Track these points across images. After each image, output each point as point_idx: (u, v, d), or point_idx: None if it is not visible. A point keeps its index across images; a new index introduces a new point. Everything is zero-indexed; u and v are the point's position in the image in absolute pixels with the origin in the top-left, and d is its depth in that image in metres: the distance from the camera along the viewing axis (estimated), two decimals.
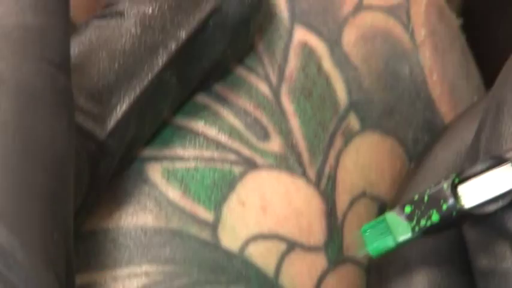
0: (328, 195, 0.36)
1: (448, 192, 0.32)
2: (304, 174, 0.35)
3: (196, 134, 0.34)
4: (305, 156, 0.36)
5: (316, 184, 0.36)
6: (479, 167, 0.32)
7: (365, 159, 0.38)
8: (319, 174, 0.36)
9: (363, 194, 0.37)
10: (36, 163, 0.26)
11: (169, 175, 0.33)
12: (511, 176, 0.32)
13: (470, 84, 0.42)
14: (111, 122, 0.31)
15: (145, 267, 0.32)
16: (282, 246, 0.34)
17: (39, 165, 0.26)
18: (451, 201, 0.32)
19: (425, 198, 0.33)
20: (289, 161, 0.35)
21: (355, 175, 0.37)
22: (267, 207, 0.34)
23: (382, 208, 0.38)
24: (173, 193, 0.33)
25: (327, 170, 0.36)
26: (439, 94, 0.40)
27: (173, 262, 0.32)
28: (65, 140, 0.28)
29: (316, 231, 0.35)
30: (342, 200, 0.37)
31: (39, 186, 0.26)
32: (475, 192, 0.32)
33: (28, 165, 0.26)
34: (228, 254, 0.33)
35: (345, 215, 0.36)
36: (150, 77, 0.32)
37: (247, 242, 0.33)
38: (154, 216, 0.33)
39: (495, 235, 0.33)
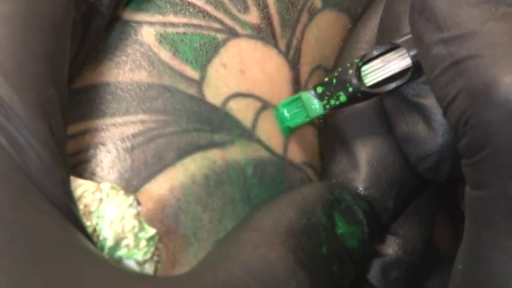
0: (294, 65, 0.41)
1: (353, 76, 0.37)
2: (276, 45, 0.40)
3: (186, 4, 0.38)
4: (277, 29, 0.40)
5: (285, 54, 0.40)
6: (377, 51, 0.38)
7: (323, 35, 0.42)
8: (288, 46, 0.40)
9: (319, 67, 0.42)
10: (38, 27, 0.30)
11: (162, 38, 0.37)
12: (404, 58, 0.37)
13: None
14: None
15: (140, 116, 0.36)
16: (258, 104, 0.39)
17: (40, 29, 0.30)
18: (355, 82, 0.37)
19: (334, 80, 0.38)
20: (264, 33, 0.40)
21: (315, 49, 0.42)
22: (245, 71, 0.39)
23: None
24: (164, 54, 0.37)
25: (294, 42, 0.41)
26: None
27: (165, 112, 0.36)
28: (65, 5, 0.31)
29: (284, 96, 0.40)
30: (304, 70, 0.41)
31: (39, 48, 0.30)
32: (375, 73, 0.38)
33: (30, 29, 0.30)
34: (211, 107, 0.37)
35: (306, 83, 0.41)
36: None
37: (228, 99, 0.38)
38: (148, 74, 0.37)
39: (404, 105, 0.38)
